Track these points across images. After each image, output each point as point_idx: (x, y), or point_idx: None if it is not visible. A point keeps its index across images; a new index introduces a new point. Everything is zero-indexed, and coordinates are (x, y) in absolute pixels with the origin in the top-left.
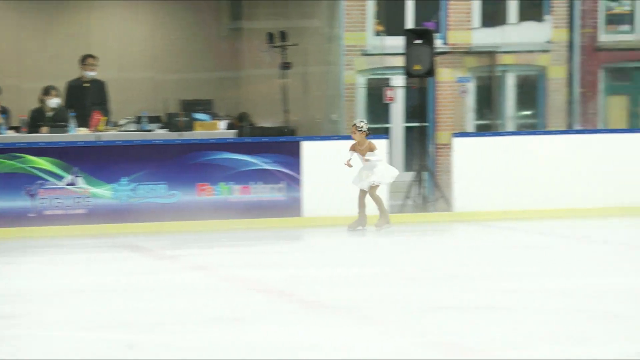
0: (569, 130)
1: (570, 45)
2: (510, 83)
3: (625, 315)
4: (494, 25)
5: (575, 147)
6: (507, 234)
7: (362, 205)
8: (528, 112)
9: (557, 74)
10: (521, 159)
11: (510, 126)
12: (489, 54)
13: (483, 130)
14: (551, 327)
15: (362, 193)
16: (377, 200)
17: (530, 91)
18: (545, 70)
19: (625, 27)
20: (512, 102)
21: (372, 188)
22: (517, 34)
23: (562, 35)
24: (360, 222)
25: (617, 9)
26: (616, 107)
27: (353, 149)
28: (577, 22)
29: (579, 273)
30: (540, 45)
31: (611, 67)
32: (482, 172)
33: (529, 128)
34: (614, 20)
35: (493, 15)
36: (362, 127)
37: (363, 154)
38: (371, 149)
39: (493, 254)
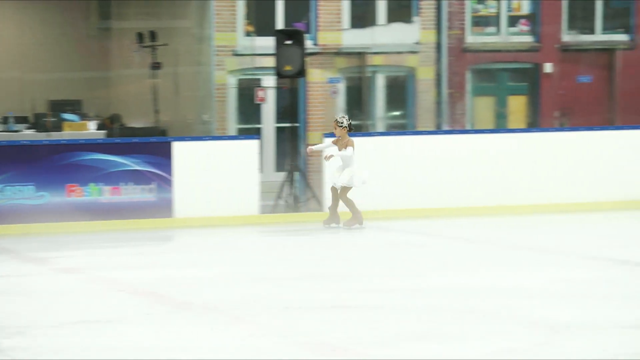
0: (438, 131)
1: (438, 47)
2: (380, 84)
3: (490, 313)
4: (364, 26)
5: (444, 147)
6: (379, 233)
7: (334, 203)
8: (398, 113)
9: (425, 75)
10: (392, 159)
11: (380, 126)
12: (359, 54)
13: (354, 131)
14: (418, 325)
15: (334, 191)
16: (347, 203)
17: (400, 92)
18: (414, 71)
19: (491, 29)
20: (382, 102)
21: (343, 189)
22: (386, 35)
23: (430, 36)
24: (333, 219)
25: (483, 11)
26: (483, 107)
27: (335, 143)
28: (445, 23)
29: (448, 271)
30: (409, 47)
31: (478, 69)
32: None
33: (398, 128)
34: (480, 22)
35: (362, 16)
36: (342, 122)
37: (340, 149)
38: (347, 145)
39: (364, 254)
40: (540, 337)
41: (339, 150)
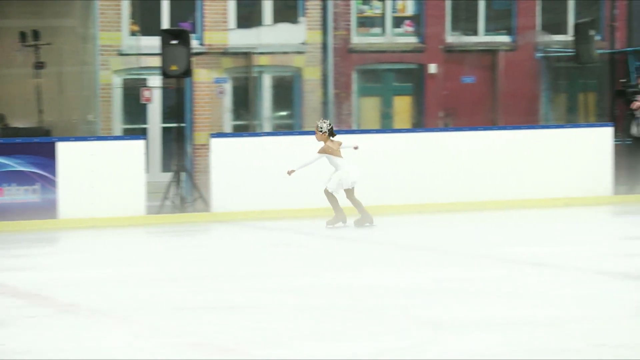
0: None
1: (324, 47)
2: (266, 84)
3: (378, 312)
4: (250, 26)
5: None
6: (265, 233)
7: (333, 203)
8: (284, 113)
9: (312, 75)
10: (278, 159)
11: (267, 127)
12: (245, 55)
13: (240, 131)
14: (307, 325)
15: (327, 194)
16: (354, 203)
17: (286, 92)
18: (300, 71)
19: (377, 30)
20: (269, 102)
21: (347, 192)
22: (272, 36)
23: (316, 37)
24: (339, 218)
25: (369, 12)
26: (369, 108)
27: (322, 151)
28: (330, 24)
29: (335, 271)
30: (295, 47)
31: (364, 69)
32: (240, 173)
33: (285, 128)
34: (366, 22)
35: (248, 16)
36: (322, 127)
37: (337, 155)
38: (339, 144)
39: (250, 254)
40: (427, 336)
41: (335, 155)
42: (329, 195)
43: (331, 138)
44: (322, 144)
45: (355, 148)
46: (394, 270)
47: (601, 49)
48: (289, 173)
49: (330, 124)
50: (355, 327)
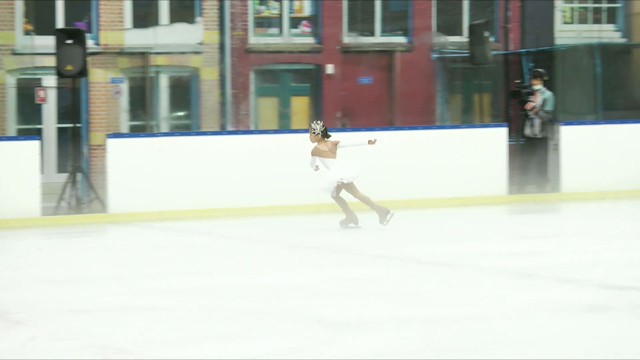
0: (222, 131)
1: (222, 47)
2: (163, 84)
3: (274, 312)
4: (146, 26)
5: (228, 148)
6: (163, 234)
7: (342, 203)
8: (182, 113)
9: (209, 75)
10: (176, 159)
11: (164, 127)
12: (142, 55)
13: (137, 131)
14: (204, 326)
15: (337, 191)
16: (363, 199)
17: (184, 92)
18: (198, 71)
19: (274, 30)
20: (166, 103)
21: (351, 188)
22: (169, 36)
23: (214, 37)
24: (350, 219)
25: (266, 12)
26: (267, 108)
27: (313, 153)
28: (227, 24)
29: (233, 271)
30: (192, 47)
31: (261, 69)
32: (137, 173)
33: (183, 129)
34: (263, 23)
35: (145, 16)
36: (314, 129)
37: (328, 157)
38: (334, 145)
39: (148, 255)
40: (323, 335)
41: (327, 157)
42: (334, 198)
43: (325, 139)
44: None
45: (372, 142)
46: (294, 270)
47: (495, 50)
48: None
49: (323, 125)
50: (254, 327)
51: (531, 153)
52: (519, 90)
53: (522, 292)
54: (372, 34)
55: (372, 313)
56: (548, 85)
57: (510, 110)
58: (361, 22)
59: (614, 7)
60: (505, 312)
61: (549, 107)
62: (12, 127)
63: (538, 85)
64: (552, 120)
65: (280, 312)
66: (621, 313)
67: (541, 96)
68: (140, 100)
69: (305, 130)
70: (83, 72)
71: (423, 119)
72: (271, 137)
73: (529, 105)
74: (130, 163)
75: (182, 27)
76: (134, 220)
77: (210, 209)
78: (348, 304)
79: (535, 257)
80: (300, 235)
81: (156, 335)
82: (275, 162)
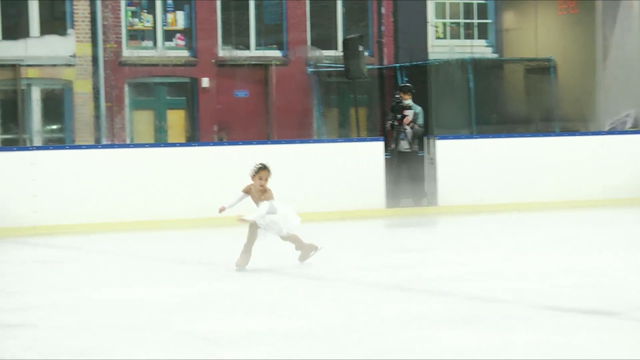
0: (97, 145)
1: (95, 60)
2: (35, 97)
3: (147, 327)
4: (16, 38)
5: (103, 162)
6: (34, 249)
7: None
8: (55, 127)
9: (82, 88)
10: (50, 173)
11: (37, 140)
12: (12, 67)
13: (9, 145)
14: (74, 343)
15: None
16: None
17: (57, 105)
18: (70, 84)
19: (148, 43)
20: (38, 116)
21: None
22: (40, 48)
23: (86, 49)
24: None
25: (139, 25)
26: (142, 121)
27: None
28: (100, 36)
29: (103, 287)
30: (64, 59)
31: (136, 82)
32: (8, 187)
33: (57, 142)
34: (137, 35)
35: (15, 27)
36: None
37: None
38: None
39: (19, 271)
40: (196, 350)
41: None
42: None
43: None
44: None
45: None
46: (164, 284)
47: (370, 65)
48: None
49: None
50: (126, 343)
51: (403, 167)
52: (397, 104)
53: (392, 305)
54: (247, 47)
55: (247, 327)
56: (421, 99)
57: (387, 124)
58: (236, 35)
59: (485, 23)
60: (379, 325)
61: (420, 121)
62: None
63: (408, 100)
64: (423, 134)
65: (152, 327)
66: (489, 325)
67: (412, 110)
68: (12, 113)
69: (182, 144)
70: None
71: (300, 133)
72: (147, 151)
73: (407, 120)
74: (2, 177)
75: (53, 39)
76: (6, 236)
77: (85, 223)
78: (222, 317)
79: (409, 269)
80: (175, 250)
81: (30, 353)
82: (151, 176)
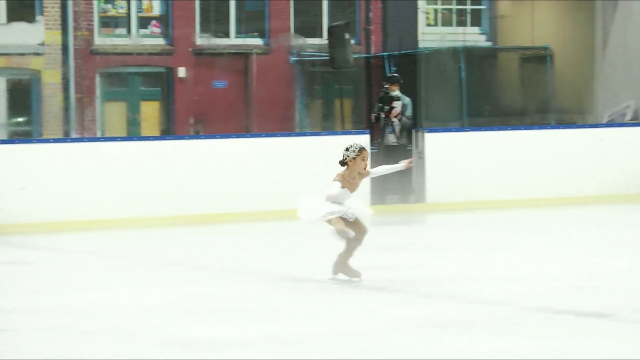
0: (66, 138)
1: (65, 49)
2: (1, 87)
3: (123, 332)
4: None
5: (73, 156)
6: (4, 250)
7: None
8: (22, 119)
9: (51, 79)
10: (16, 168)
11: (3, 134)
12: None
13: None
14: (40, 349)
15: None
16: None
17: (24, 96)
18: (39, 74)
19: (121, 31)
20: (4, 108)
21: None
22: (6, 35)
23: (56, 37)
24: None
25: (112, 12)
26: (114, 113)
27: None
28: (71, 24)
29: (78, 289)
30: (32, 48)
31: (108, 72)
32: None
33: (23, 136)
34: (110, 23)
35: None
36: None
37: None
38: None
39: None
40: (175, 355)
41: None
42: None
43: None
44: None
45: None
46: (142, 288)
47: (357, 54)
48: None
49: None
50: (101, 349)
51: (390, 161)
52: (384, 95)
53: (385, 308)
54: (226, 35)
55: (230, 332)
56: (410, 90)
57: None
58: (215, 22)
59: (479, 9)
60: (368, 329)
61: (409, 113)
62: None
63: (396, 91)
64: (412, 127)
65: (131, 331)
66: (484, 328)
67: (401, 102)
68: None
69: (158, 137)
70: None
71: (281, 126)
72: (119, 145)
73: (395, 112)
74: None
75: (21, 27)
76: None
77: (56, 221)
78: (203, 322)
79: (399, 270)
80: (151, 249)
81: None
82: (123, 171)
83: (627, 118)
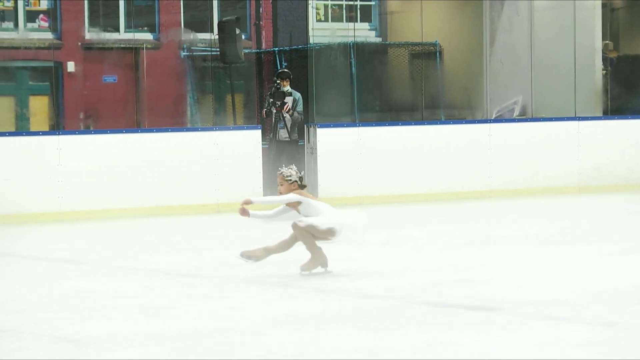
0: None
1: None
2: None
3: (10, 330)
4: None
5: None
6: None
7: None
8: None
9: None
10: None
11: None
12: None
13: None
14: None
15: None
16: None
17: None
18: None
19: (8, 24)
20: None
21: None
22: None
23: None
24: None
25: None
26: (3, 108)
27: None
28: None
29: None
30: None
31: None
32: None
33: None
34: None
35: None
36: (290, 175)
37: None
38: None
39: None
40: (66, 354)
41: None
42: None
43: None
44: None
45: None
46: (29, 284)
47: (248, 49)
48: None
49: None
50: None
51: (282, 157)
52: (276, 90)
53: (276, 303)
54: (116, 29)
55: (115, 328)
56: (301, 85)
57: (263, 112)
58: (104, 16)
59: (368, 5)
60: (251, 325)
61: (300, 108)
62: None
63: (287, 87)
64: (304, 122)
65: (19, 329)
66: (378, 323)
67: (292, 97)
68: None
69: (46, 133)
70: None
71: (173, 121)
72: (6, 140)
73: (286, 107)
74: None
75: None
76: None
77: None
78: (88, 318)
79: (290, 265)
80: (37, 245)
81: None
82: (13, 167)
83: (516, 113)
